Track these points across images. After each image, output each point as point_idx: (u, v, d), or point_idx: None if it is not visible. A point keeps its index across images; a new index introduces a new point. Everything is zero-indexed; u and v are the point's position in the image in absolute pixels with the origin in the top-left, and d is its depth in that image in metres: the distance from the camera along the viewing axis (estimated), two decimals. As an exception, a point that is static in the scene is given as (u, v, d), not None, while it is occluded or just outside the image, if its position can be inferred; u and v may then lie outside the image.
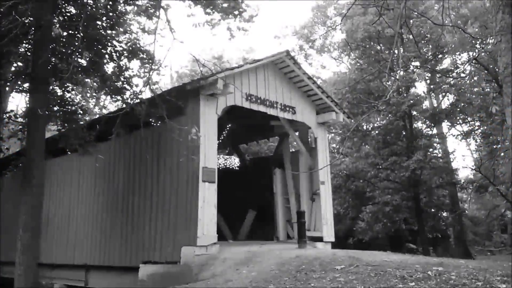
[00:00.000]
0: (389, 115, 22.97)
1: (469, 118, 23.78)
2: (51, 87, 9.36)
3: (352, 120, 24.12)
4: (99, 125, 11.75)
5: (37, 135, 8.09)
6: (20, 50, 8.84)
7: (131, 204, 11.17)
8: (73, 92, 10.12)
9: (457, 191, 25.60)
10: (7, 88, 12.95)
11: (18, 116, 10.94)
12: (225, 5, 12.49)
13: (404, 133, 23.00)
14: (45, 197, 14.56)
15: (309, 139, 13.97)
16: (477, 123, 23.59)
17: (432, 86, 24.25)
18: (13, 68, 9.97)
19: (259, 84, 11.37)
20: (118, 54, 9.63)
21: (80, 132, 9.63)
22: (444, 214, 26.34)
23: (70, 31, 8.77)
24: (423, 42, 22.85)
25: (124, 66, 9.79)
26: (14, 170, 15.95)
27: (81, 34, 8.84)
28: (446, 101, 25.21)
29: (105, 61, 9.61)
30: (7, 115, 11.21)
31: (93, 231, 12.25)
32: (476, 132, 24.16)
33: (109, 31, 10.03)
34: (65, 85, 9.62)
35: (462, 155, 44.91)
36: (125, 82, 9.75)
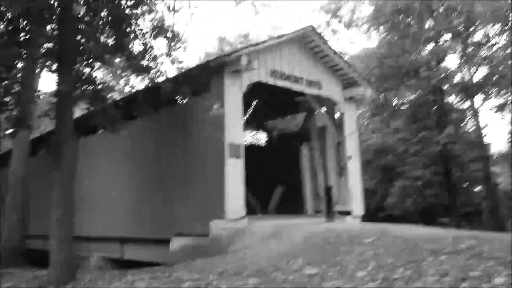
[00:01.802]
0: (419, 90, 22.42)
1: (503, 91, 22.90)
2: (78, 67, 9.48)
3: (381, 96, 23.97)
4: (128, 103, 11.94)
5: (66, 114, 8.24)
6: (47, 30, 8.94)
7: (162, 180, 11.37)
8: (100, 71, 10.23)
9: (490, 165, 24.89)
10: (37, 70, 13.20)
11: (48, 95, 11.18)
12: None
13: (434, 108, 22.43)
14: (81, 174, 15.01)
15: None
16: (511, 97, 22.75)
17: (463, 59, 23.41)
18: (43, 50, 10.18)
19: (284, 59, 11.22)
20: (142, 33, 9.64)
21: (108, 110, 9.77)
22: (476, 189, 25.76)
23: (92, 11, 8.82)
24: (454, 15, 21.99)
25: (149, 45, 9.82)
26: (46, 148, 16.41)
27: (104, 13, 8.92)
28: (479, 75, 24.36)
29: (130, 39, 9.63)
30: (37, 94, 11.41)
31: (127, 205, 12.55)
32: (510, 104, 23.33)
33: (133, 10, 10.05)
34: (92, 64, 9.72)
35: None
36: (150, 60, 9.78)
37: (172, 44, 11.14)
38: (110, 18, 9.43)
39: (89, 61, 9.75)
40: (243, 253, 7.60)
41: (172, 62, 11.30)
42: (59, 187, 7.57)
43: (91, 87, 9.81)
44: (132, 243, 12.25)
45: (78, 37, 9.32)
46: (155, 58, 10.04)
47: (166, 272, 7.24)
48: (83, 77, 9.70)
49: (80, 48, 9.35)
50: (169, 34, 10.36)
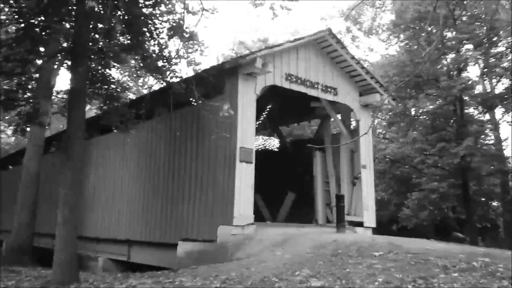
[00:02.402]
0: (439, 100, 21.96)
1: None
2: (92, 65, 9.48)
3: (400, 104, 23.58)
4: (141, 103, 11.92)
5: (77, 112, 8.20)
6: (63, 27, 8.95)
7: (171, 182, 11.29)
8: (114, 70, 10.20)
9: (509, 180, 24.25)
10: (55, 66, 13.27)
11: (62, 92, 11.23)
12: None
13: (454, 118, 21.95)
14: (91, 174, 15.16)
15: (352, 122, 13.54)
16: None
17: (485, 70, 22.88)
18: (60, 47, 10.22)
19: (300, 63, 11.06)
20: (158, 32, 9.59)
21: (121, 110, 9.74)
22: (494, 203, 25.13)
23: (109, 8, 8.77)
24: (476, 24, 21.51)
25: (164, 45, 9.77)
26: (57, 147, 16.53)
27: (122, 12, 8.88)
28: (501, 86, 23.78)
29: (145, 39, 9.59)
30: (55, 91, 11.50)
31: (135, 207, 12.52)
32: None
33: (151, 9, 10.02)
34: (107, 63, 9.71)
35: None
36: (165, 61, 9.73)
37: (189, 45, 11.11)
38: (126, 16, 9.41)
39: (104, 59, 9.75)
40: (248, 261, 7.43)
41: (189, 64, 11.27)
42: (66, 185, 7.52)
43: (105, 86, 9.82)
44: (139, 246, 12.18)
45: (93, 35, 9.34)
46: (169, 59, 9.99)
47: (169, 277, 7.11)
48: (97, 75, 9.71)
49: (95, 46, 9.36)
50: (186, 35, 10.31)
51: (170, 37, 9.62)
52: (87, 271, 12.42)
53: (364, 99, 12.19)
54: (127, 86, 10.47)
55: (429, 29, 22.52)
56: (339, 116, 12.84)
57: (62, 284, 6.89)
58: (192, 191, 10.49)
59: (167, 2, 10.10)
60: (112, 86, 9.93)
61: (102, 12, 9.21)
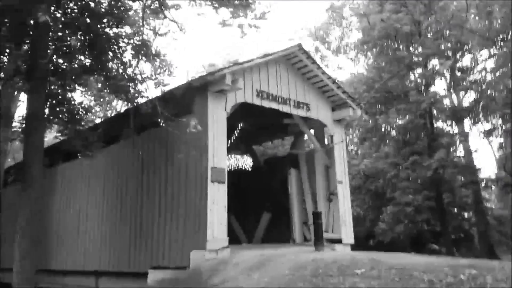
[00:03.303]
0: (409, 114, 22.23)
1: (490, 116, 22.79)
2: (52, 87, 8.99)
3: (370, 121, 23.78)
4: (105, 126, 11.43)
5: (35, 137, 7.72)
6: (21, 48, 8.48)
7: (140, 207, 10.75)
8: (76, 92, 9.74)
9: (481, 190, 24.60)
10: (15, 92, 12.65)
11: (20, 117, 10.64)
12: (236, 2, 12.06)
13: (424, 132, 22.22)
14: (56, 203, 14.41)
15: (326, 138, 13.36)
16: (500, 121, 22.67)
17: (452, 84, 23.39)
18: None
19: (271, 80, 10.84)
20: (121, 51, 9.21)
21: (83, 133, 9.23)
22: (466, 214, 25.38)
23: (69, 30, 8.39)
24: (442, 38, 22.05)
25: (128, 64, 9.39)
26: (16, 178, 15.77)
27: (82, 35, 8.50)
28: (468, 99, 24.32)
29: (108, 58, 9.20)
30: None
31: (103, 236, 11.87)
32: (498, 129, 23.25)
33: (115, 29, 9.67)
34: (67, 85, 9.23)
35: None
36: (129, 80, 9.33)
37: (157, 66, 10.81)
38: (87, 36, 9.02)
39: (64, 81, 9.28)
40: (224, 286, 6.97)
41: (157, 85, 10.93)
42: (24, 216, 6.94)
43: (64, 109, 9.31)
44: (108, 276, 11.51)
45: (53, 56, 8.89)
46: (134, 79, 9.60)
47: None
48: (57, 98, 9.22)
49: (53, 67, 8.89)
50: (154, 57, 10.01)
51: (134, 56, 9.25)
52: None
53: (337, 114, 12.04)
54: (89, 108, 9.95)
55: (396, 46, 22.98)
56: (312, 132, 12.62)
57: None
58: (162, 216, 9.97)
59: (129, 20, 9.79)
60: (73, 108, 9.41)
61: (60, 33, 8.81)
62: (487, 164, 53.48)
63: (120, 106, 11.25)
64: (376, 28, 21.86)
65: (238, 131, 14.98)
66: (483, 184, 23.79)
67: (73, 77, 9.38)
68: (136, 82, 9.43)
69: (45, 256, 14.06)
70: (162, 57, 10.25)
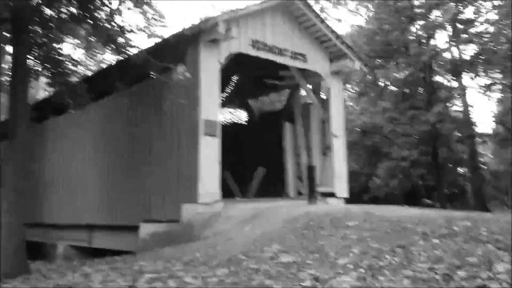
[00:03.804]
0: (408, 68, 21.78)
1: (490, 71, 22.35)
2: (38, 39, 8.56)
3: (369, 76, 23.28)
4: (95, 79, 11.10)
5: (20, 88, 7.39)
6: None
7: (132, 161, 10.62)
8: (63, 43, 9.28)
9: (476, 145, 24.55)
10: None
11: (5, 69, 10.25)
12: None
13: (423, 86, 21.85)
14: (48, 158, 14.27)
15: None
16: (499, 76, 22.27)
17: (454, 36, 22.76)
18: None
19: (267, 29, 10.39)
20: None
21: (71, 85, 8.89)
22: (461, 170, 25.47)
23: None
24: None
25: (116, 11, 8.89)
26: (2, 133, 15.46)
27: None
28: (468, 52, 23.76)
29: (96, 5, 8.68)
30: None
31: (95, 190, 11.81)
32: (497, 84, 22.91)
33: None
34: (53, 35, 8.78)
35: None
36: (117, 29, 8.87)
37: (149, 16, 10.31)
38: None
39: (50, 31, 8.82)
40: (215, 240, 6.93)
41: (150, 37, 10.47)
42: (10, 167, 6.75)
43: (51, 60, 8.91)
44: (100, 230, 11.52)
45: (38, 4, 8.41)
46: (123, 28, 9.14)
47: (128, 262, 6.55)
48: (43, 48, 8.80)
49: (39, 17, 8.42)
50: (143, 3, 9.48)
51: (121, 1, 8.75)
52: (47, 260, 11.74)
53: (334, 65, 11.65)
54: (79, 61, 9.55)
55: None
56: (309, 85, 12.28)
57: (9, 277, 6.21)
58: (155, 169, 9.85)
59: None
60: (61, 60, 9.01)
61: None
62: (484, 119, 53.31)
63: (112, 59, 10.81)
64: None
65: (233, 84, 14.66)
66: (479, 139, 23.71)
67: (59, 26, 8.89)
68: (125, 31, 8.96)
69: (38, 210, 14.08)
70: (151, 5, 9.70)
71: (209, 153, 8.88)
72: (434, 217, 6.41)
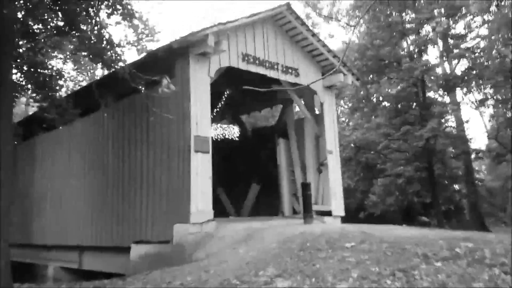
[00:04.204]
0: (401, 83, 21.71)
1: (483, 86, 22.35)
2: (22, 50, 8.29)
3: (362, 92, 23.16)
4: (83, 94, 10.80)
5: (5, 102, 7.07)
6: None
7: (122, 179, 10.26)
8: (48, 56, 9.00)
9: (472, 161, 24.43)
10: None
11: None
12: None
13: (416, 102, 21.75)
14: (37, 175, 13.85)
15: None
16: (491, 90, 22.29)
17: (445, 51, 22.81)
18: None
19: (257, 42, 10.19)
20: (96, 10, 8.46)
21: (57, 100, 8.58)
22: (457, 186, 25.27)
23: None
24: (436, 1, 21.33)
25: (103, 24, 8.65)
26: None
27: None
28: (461, 67, 23.81)
29: (83, 18, 8.44)
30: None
31: (85, 209, 11.41)
32: (490, 99, 22.93)
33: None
34: (39, 48, 8.51)
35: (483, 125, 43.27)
36: (105, 43, 8.62)
37: (139, 31, 10.11)
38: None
39: (35, 43, 8.57)
40: (208, 262, 6.57)
41: (140, 51, 10.25)
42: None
43: (36, 74, 8.63)
44: (91, 251, 11.12)
45: (20, 14, 8.16)
46: (111, 41, 8.90)
47: (117, 285, 6.17)
48: (28, 61, 8.53)
49: (23, 28, 8.17)
50: (131, 17, 9.26)
51: (109, 15, 8.51)
52: (37, 282, 11.31)
53: (327, 80, 11.45)
54: (62, 74, 9.25)
55: (389, 12, 22.21)
56: (301, 100, 12.06)
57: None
58: (145, 188, 9.50)
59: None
60: (46, 74, 8.72)
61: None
62: (477, 135, 53.56)
63: (100, 74, 10.57)
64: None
65: (224, 99, 14.41)
66: (474, 155, 23.58)
67: (45, 39, 8.64)
68: (114, 45, 8.72)
69: (28, 230, 13.63)
70: (140, 18, 9.48)
71: (201, 171, 8.55)
72: (434, 237, 6.13)
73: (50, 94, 8.75)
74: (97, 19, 8.49)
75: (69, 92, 11.44)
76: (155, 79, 8.71)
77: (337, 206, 11.19)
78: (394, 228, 7.79)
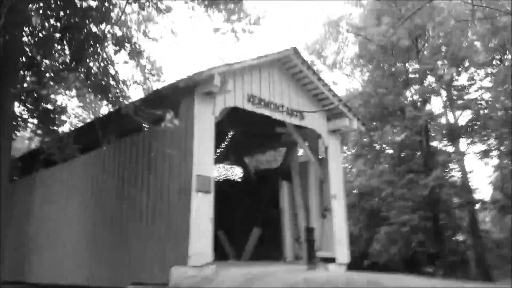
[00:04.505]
0: (405, 131, 21.70)
1: (486, 137, 22.29)
2: (26, 83, 8.26)
3: (365, 138, 23.11)
4: (84, 130, 10.71)
5: (4, 136, 6.94)
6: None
7: (120, 218, 9.94)
8: (51, 89, 8.97)
9: (476, 212, 23.94)
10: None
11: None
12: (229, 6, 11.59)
13: (420, 150, 21.64)
14: (35, 212, 13.53)
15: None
16: (495, 142, 22.22)
17: (448, 102, 22.96)
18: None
19: (263, 84, 10.16)
20: (102, 46, 8.49)
21: (57, 134, 8.45)
22: (461, 237, 24.67)
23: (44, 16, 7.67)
24: (441, 52, 21.70)
25: (109, 60, 8.67)
26: None
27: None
28: (464, 118, 23.89)
29: (89, 53, 8.46)
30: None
31: (81, 248, 11.00)
32: (494, 150, 22.79)
33: (101, 26, 8.98)
34: (43, 81, 8.47)
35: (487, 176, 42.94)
36: (110, 79, 8.61)
37: (145, 70, 10.22)
38: (68, 29, 8.33)
39: (40, 77, 8.54)
40: (204, 308, 6.16)
41: (146, 90, 10.30)
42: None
43: (40, 107, 8.55)
44: (86, 292, 10.58)
45: (31, 49, 8.19)
46: (117, 78, 8.90)
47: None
48: (31, 95, 8.46)
49: (28, 61, 8.16)
50: (137, 55, 9.35)
51: (116, 52, 8.55)
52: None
53: (332, 124, 11.35)
54: (65, 108, 9.19)
55: (393, 61, 22.57)
56: (306, 143, 11.90)
57: None
58: (144, 228, 9.16)
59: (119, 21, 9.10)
60: (49, 109, 8.64)
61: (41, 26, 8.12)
62: (481, 186, 53.01)
63: (105, 110, 10.53)
64: (373, 41, 21.47)
65: (228, 139, 14.28)
66: (479, 206, 23.15)
67: (51, 73, 8.63)
68: (119, 81, 8.70)
69: (22, 268, 13.15)
70: (148, 58, 9.57)
71: (202, 211, 8.25)
72: (447, 288, 5.74)
73: (51, 128, 8.62)
74: (104, 55, 8.51)
75: (72, 128, 11.30)
76: (159, 117, 8.64)
77: (342, 253, 10.78)
78: (403, 278, 7.35)
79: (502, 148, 22.03)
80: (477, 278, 20.87)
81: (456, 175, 23.08)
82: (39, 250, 12.85)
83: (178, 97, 9.04)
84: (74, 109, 12.02)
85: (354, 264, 15.68)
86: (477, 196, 23.26)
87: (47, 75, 8.64)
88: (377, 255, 22.18)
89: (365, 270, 20.53)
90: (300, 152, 14.43)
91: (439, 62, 21.95)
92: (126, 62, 9.94)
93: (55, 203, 12.64)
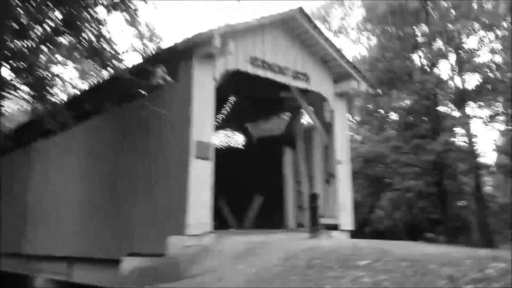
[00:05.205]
0: (413, 95, 21.21)
1: (492, 102, 21.83)
2: (15, 48, 7.83)
3: (369, 106, 22.63)
4: (80, 99, 10.34)
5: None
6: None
7: (117, 187, 9.70)
8: (42, 55, 8.51)
9: (481, 177, 23.70)
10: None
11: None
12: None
13: (427, 116, 21.21)
14: (32, 183, 13.36)
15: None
16: (502, 107, 21.76)
17: (457, 66, 22.34)
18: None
19: (266, 46, 9.64)
20: (94, 5, 7.99)
21: (52, 103, 8.09)
22: (465, 202, 24.57)
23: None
24: (451, 15, 20.93)
25: (103, 22, 8.19)
26: None
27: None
28: (472, 82, 23.32)
29: (81, 15, 7.98)
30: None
31: (77, 219, 10.83)
32: (501, 115, 22.39)
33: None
34: (34, 48, 8.02)
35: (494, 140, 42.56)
36: (104, 42, 8.14)
37: (142, 34, 9.67)
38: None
39: (30, 42, 8.10)
40: (204, 279, 5.97)
41: (143, 55, 9.79)
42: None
43: (31, 75, 8.14)
44: (81, 263, 10.48)
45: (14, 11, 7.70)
46: (111, 41, 8.43)
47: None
48: (22, 61, 8.05)
49: (18, 26, 7.71)
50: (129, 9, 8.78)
51: (109, 11, 8.04)
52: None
53: (338, 87, 10.86)
54: (60, 76, 8.76)
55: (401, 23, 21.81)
56: (311, 108, 11.47)
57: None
58: (141, 196, 8.92)
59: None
60: (42, 76, 8.23)
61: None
62: (485, 151, 52.70)
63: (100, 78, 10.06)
64: (380, 4, 20.70)
65: (230, 105, 13.88)
66: (485, 170, 22.93)
67: (43, 38, 8.18)
68: (113, 42, 8.24)
69: (18, 239, 13.06)
70: (145, 23, 9.02)
71: (201, 179, 7.96)
72: (459, 256, 5.46)
73: (43, 95, 8.24)
74: (96, 16, 8.02)
75: (65, 97, 10.93)
76: (157, 85, 8.21)
77: (346, 220, 10.54)
78: (411, 245, 7.11)
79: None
80: (479, 243, 20.86)
81: (462, 139, 22.81)
82: (36, 222, 12.74)
83: (176, 62, 8.60)
84: (71, 79, 11.49)
85: (356, 232, 15.59)
86: (482, 160, 23.06)
87: (37, 40, 8.18)
88: (378, 221, 22.16)
89: (366, 237, 20.50)
90: (305, 118, 13.98)
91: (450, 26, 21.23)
92: (122, 30, 9.44)
93: (52, 173, 12.43)
